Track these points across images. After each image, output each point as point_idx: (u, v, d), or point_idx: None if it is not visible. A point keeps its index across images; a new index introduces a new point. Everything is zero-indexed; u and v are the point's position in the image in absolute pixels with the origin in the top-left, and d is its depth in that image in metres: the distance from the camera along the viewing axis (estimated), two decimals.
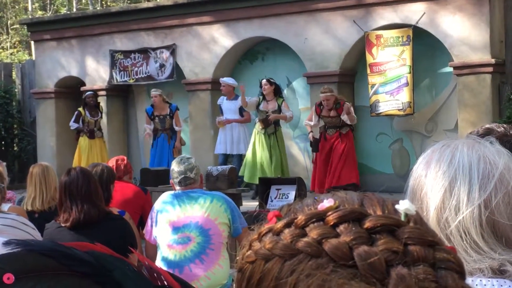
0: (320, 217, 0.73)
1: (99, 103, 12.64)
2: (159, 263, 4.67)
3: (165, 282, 0.76)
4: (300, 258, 0.70)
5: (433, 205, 1.36)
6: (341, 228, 0.71)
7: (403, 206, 0.74)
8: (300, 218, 0.73)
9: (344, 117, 10.38)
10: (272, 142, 10.83)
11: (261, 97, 10.96)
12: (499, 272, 1.31)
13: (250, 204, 9.52)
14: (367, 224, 0.71)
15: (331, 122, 10.53)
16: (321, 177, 10.52)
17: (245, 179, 10.90)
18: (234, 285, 4.74)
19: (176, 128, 11.72)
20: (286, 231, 0.73)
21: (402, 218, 0.73)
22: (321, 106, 10.50)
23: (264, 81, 10.92)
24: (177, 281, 0.77)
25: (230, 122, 11.24)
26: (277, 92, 10.93)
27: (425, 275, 0.68)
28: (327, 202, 0.75)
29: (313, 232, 0.71)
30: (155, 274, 0.76)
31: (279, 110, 10.83)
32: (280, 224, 0.74)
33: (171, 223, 4.68)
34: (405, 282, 0.67)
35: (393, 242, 0.69)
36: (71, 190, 4.06)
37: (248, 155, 10.94)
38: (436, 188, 1.36)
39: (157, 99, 11.76)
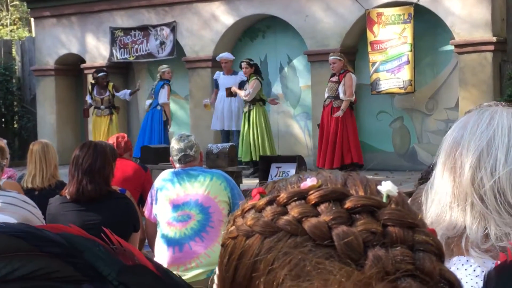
0: (302, 195, 0.73)
1: (108, 81, 12.60)
2: (159, 241, 4.70)
3: (136, 261, 0.77)
4: (280, 236, 0.70)
5: (468, 164, 1.32)
6: (322, 207, 0.71)
7: (386, 187, 0.74)
8: (282, 196, 0.73)
9: (341, 89, 10.20)
10: (252, 120, 10.82)
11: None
12: None
13: (250, 182, 9.55)
14: (348, 204, 0.71)
15: (329, 88, 10.44)
16: (321, 153, 10.51)
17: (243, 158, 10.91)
18: None
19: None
20: (268, 208, 0.73)
21: (384, 199, 0.73)
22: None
23: (244, 63, 10.90)
24: (150, 261, 0.79)
25: (236, 92, 11.09)
26: (257, 72, 10.91)
27: (403, 256, 0.68)
28: (310, 181, 0.75)
29: (294, 211, 0.71)
30: (127, 254, 0.77)
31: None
32: (262, 201, 0.75)
33: (171, 201, 4.69)
34: (382, 263, 0.67)
35: (372, 223, 0.69)
36: (77, 163, 4.08)
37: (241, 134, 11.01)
38: (473, 147, 1.33)
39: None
